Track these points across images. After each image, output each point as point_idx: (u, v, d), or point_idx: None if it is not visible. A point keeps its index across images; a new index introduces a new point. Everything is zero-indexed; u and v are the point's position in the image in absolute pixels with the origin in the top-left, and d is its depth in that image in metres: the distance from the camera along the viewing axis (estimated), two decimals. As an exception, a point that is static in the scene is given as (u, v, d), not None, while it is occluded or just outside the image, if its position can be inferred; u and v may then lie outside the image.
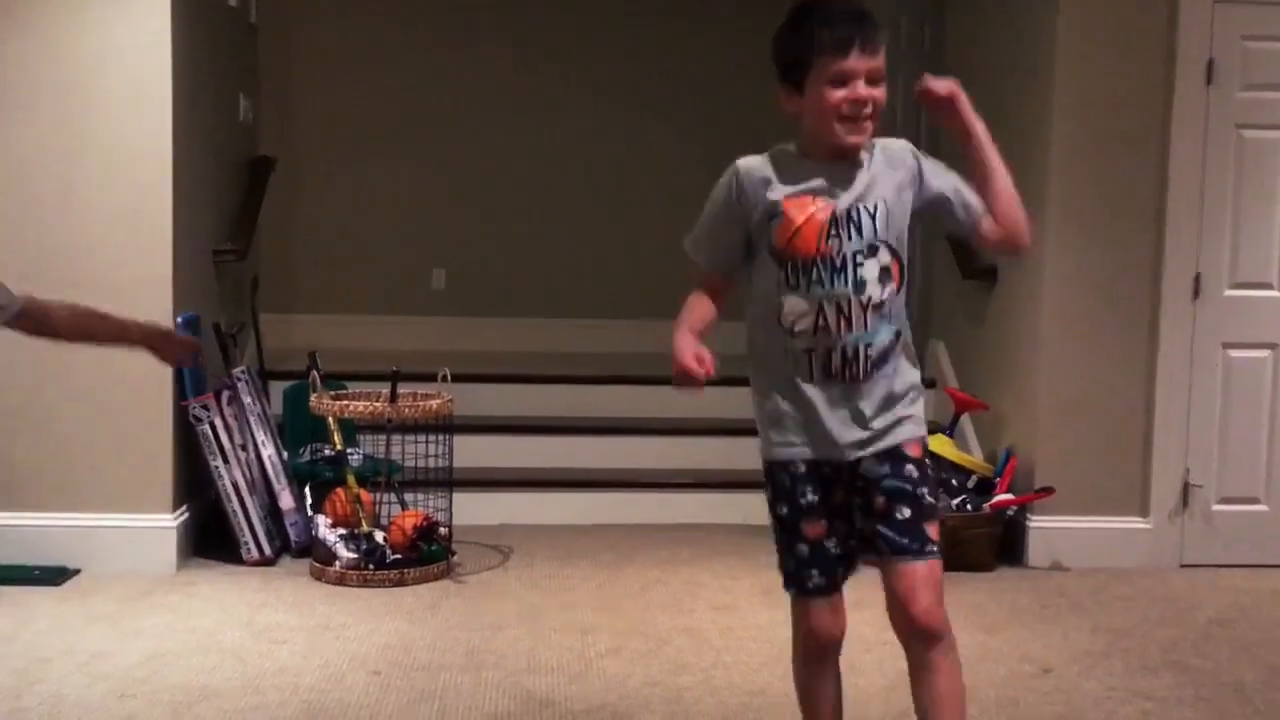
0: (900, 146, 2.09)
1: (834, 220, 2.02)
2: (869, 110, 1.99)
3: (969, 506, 4.15)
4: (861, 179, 2.05)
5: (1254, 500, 4.29)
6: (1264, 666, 3.28)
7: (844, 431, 2.06)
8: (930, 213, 2.10)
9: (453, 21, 6.28)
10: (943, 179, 2.09)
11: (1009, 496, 4.21)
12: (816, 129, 2.03)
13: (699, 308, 2.11)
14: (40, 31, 3.84)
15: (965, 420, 4.75)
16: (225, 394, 4.18)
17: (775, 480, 2.13)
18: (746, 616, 3.56)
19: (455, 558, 4.06)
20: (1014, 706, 2.94)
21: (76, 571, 3.84)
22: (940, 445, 4.19)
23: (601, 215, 6.36)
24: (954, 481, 4.23)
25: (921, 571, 2.02)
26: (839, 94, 1.97)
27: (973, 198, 2.08)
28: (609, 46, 6.33)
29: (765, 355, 2.11)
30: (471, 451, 4.43)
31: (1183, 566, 4.25)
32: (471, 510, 4.34)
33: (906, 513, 2.03)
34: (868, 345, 2.05)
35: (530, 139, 6.31)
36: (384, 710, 2.85)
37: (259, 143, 5.31)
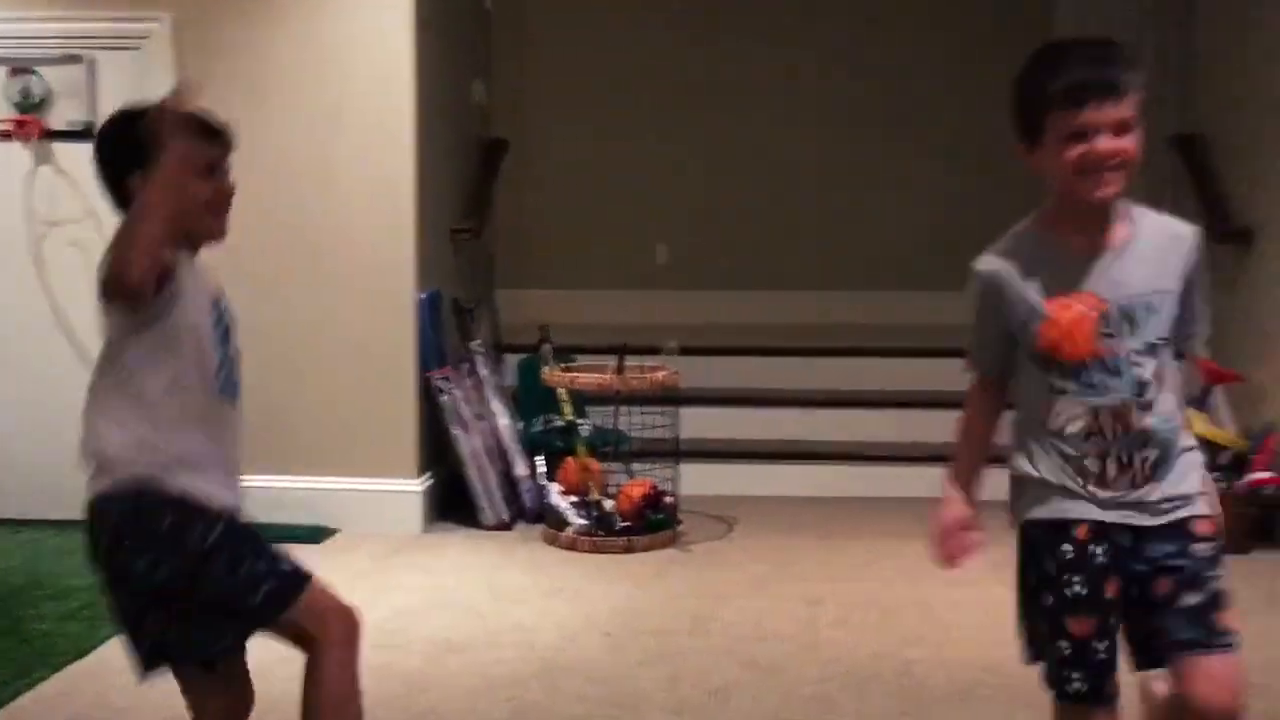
0: (1186, 232, 1.83)
1: (1106, 318, 1.78)
2: (1113, 164, 1.73)
3: (1222, 484, 3.90)
4: (1130, 262, 1.79)
5: None
6: None
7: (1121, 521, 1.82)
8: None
9: (679, 5, 6.32)
10: (1197, 285, 1.84)
11: (1267, 475, 3.94)
12: (1059, 187, 1.79)
13: (974, 439, 1.91)
14: (298, 21, 4.12)
15: (1218, 393, 4.46)
16: (464, 366, 4.39)
17: (1035, 553, 1.86)
18: (979, 591, 3.47)
19: (681, 527, 4.14)
20: (1270, 694, 2.76)
21: (335, 531, 4.13)
22: (1191, 419, 3.96)
23: (823, 187, 6.28)
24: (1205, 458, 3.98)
25: (1218, 667, 1.77)
26: (1075, 151, 1.72)
27: (1202, 323, 1.87)
28: (836, 24, 6.23)
29: (1032, 455, 1.85)
30: (696, 423, 4.49)
31: None
32: (696, 481, 4.40)
33: (1194, 599, 1.80)
34: (1146, 448, 1.80)
35: (752, 116, 6.29)
36: (618, 670, 2.94)
37: (492, 125, 5.52)
